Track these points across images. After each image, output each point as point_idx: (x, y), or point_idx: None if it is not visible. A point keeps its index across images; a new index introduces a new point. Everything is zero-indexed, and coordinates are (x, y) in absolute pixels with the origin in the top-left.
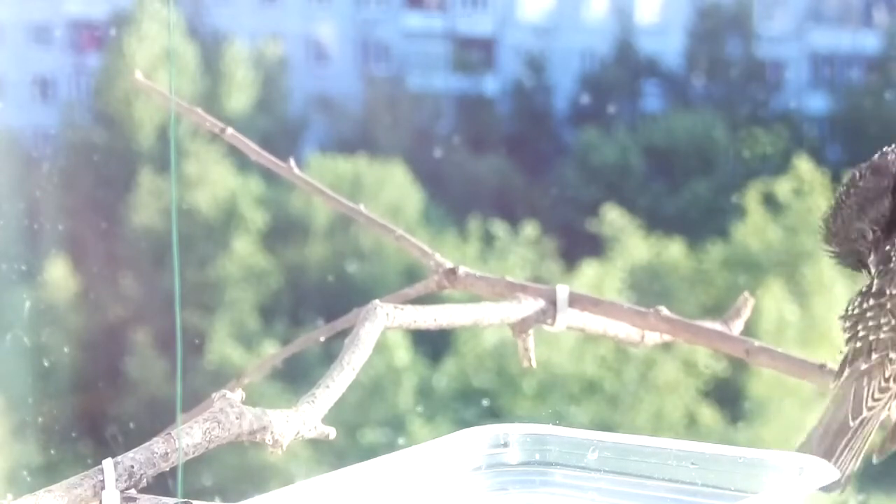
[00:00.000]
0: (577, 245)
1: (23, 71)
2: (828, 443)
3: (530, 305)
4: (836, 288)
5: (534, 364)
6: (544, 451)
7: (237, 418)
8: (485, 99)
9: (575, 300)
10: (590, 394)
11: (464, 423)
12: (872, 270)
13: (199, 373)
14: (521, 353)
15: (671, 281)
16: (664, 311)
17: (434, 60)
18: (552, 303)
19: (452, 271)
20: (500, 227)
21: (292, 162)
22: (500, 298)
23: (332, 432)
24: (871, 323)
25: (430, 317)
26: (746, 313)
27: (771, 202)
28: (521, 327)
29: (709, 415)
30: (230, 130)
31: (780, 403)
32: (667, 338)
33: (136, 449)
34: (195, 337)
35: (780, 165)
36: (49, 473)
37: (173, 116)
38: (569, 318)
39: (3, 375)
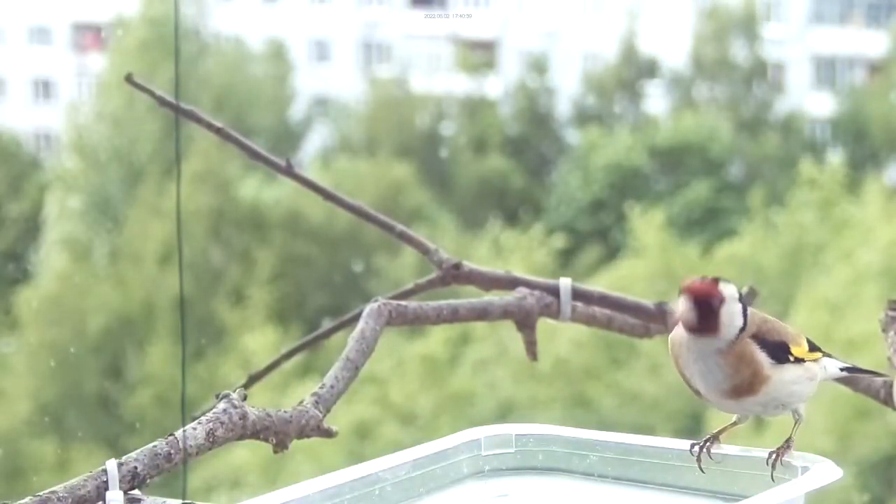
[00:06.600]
0: (582, 245)
1: (24, 71)
2: None
3: (534, 299)
4: (837, 288)
5: (538, 358)
6: (547, 451)
7: (240, 419)
8: (488, 100)
9: (579, 294)
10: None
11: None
12: None
13: (205, 371)
14: (525, 346)
15: (677, 280)
16: (668, 304)
17: (437, 62)
18: (556, 296)
19: (456, 266)
20: (503, 227)
21: (289, 161)
22: (504, 293)
23: (335, 431)
24: None
25: (434, 312)
26: (751, 304)
27: (775, 202)
28: (525, 321)
29: (709, 414)
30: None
31: None
32: None
33: (139, 450)
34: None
35: (784, 166)
36: (56, 472)
37: (177, 117)
38: (573, 311)
39: (8, 374)
